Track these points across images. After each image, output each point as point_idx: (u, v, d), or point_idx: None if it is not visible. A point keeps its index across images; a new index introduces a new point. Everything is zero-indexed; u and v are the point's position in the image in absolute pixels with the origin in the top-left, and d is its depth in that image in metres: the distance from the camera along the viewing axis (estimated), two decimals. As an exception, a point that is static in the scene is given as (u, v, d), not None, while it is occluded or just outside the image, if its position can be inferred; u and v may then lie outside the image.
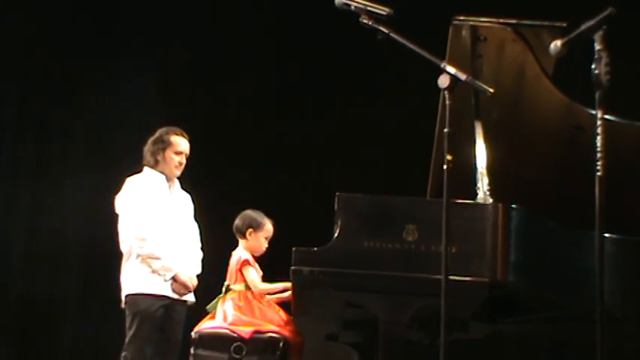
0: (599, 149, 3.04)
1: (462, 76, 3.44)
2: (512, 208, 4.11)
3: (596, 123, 3.05)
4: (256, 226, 5.26)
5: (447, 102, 3.44)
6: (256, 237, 5.25)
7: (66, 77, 7.46)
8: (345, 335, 5.13)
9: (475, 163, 4.35)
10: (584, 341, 5.46)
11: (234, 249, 5.28)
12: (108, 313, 6.20)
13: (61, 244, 7.27)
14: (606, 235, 3.50)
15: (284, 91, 7.37)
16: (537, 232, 4.22)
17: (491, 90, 3.72)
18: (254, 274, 5.13)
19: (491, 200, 4.20)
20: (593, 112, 4.49)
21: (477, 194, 4.26)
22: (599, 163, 3.04)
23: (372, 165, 7.19)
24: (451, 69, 3.47)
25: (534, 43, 4.67)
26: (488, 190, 4.25)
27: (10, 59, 7.45)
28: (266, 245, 5.29)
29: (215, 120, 7.29)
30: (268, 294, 5.12)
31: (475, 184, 4.29)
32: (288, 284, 4.60)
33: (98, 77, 7.44)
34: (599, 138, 3.04)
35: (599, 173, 3.05)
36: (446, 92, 3.47)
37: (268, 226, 5.29)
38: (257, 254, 5.25)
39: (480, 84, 3.71)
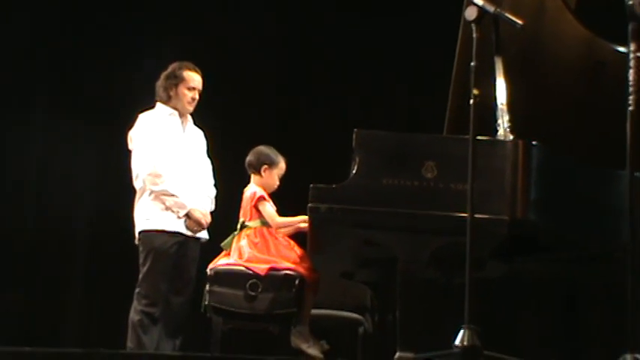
0: (631, 83, 2.94)
1: (490, 8, 3.35)
2: (533, 145, 4.03)
3: (628, 57, 2.94)
4: (270, 163, 5.21)
5: (475, 35, 3.34)
6: (270, 174, 5.21)
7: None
8: (361, 273, 5.11)
9: (495, 100, 4.26)
10: (604, 281, 5.46)
11: (246, 185, 5.24)
12: (121, 250, 6.18)
13: (72, 180, 7.23)
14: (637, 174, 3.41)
15: (300, 25, 7.26)
16: (558, 170, 4.14)
17: (521, 22, 3.61)
18: (270, 208, 5.10)
19: (511, 137, 4.11)
20: (617, 47, 4.49)
21: (497, 131, 4.18)
22: (630, 97, 2.94)
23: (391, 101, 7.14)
24: (479, 0, 3.37)
25: (556, -27, 4.55)
26: (509, 127, 4.15)
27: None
28: (278, 182, 5.24)
29: (228, 53, 7.20)
30: (285, 227, 5.08)
31: (495, 121, 4.21)
32: (306, 217, 4.56)
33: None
34: (631, 72, 2.93)
35: (630, 108, 2.95)
36: (473, 25, 3.38)
37: (282, 164, 5.26)
38: (269, 191, 5.21)
39: (509, 16, 3.60)
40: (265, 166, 5.21)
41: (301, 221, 4.96)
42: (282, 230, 5.09)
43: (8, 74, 7.27)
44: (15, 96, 7.31)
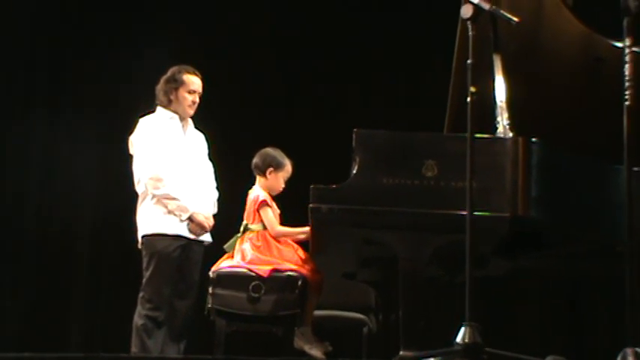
0: (627, 78, 2.94)
1: (486, 6, 3.35)
2: (533, 141, 4.04)
3: (623, 52, 2.94)
4: (276, 166, 5.19)
5: (470, 32, 3.35)
6: (276, 177, 5.19)
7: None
8: (363, 273, 5.11)
9: (494, 97, 4.27)
10: (606, 275, 5.46)
11: (250, 188, 5.23)
12: (124, 254, 6.18)
13: (74, 185, 7.23)
14: (635, 168, 3.41)
15: (301, 29, 7.27)
16: (559, 166, 4.15)
17: (517, 19, 3.62)
18: (272, 215, 5.09)
19: (511, 134, 4.12)
20: (615, 42, 4.50)
21: (496, 128, 4.19)
22: (627, 92, 2.94)
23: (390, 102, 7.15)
24: (474, -2, 3.38)
25: (553, -29, 4.57)
26: (508, 124, 4.16)
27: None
28: (283, 185, 5.23)
29: (229, 57, 7.20)
30: (285, 236, 5.07)
31: (494, 118, 4.21)
32: (307, 229, 4.54)
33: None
34: (627, 67, 2.93)
35: (627, 103, 2.95)
36: (469, 22, 3.39)
37: (288, 167, 5.22)
38: (274, 194, 5.20)
39: (505, 13, 3.61)
40: (271, 169, 5.19)
41: (301, 232, 4.94)
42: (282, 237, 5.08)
43: (9, 74, 7.29)
44: (15, 98, 7.32)
